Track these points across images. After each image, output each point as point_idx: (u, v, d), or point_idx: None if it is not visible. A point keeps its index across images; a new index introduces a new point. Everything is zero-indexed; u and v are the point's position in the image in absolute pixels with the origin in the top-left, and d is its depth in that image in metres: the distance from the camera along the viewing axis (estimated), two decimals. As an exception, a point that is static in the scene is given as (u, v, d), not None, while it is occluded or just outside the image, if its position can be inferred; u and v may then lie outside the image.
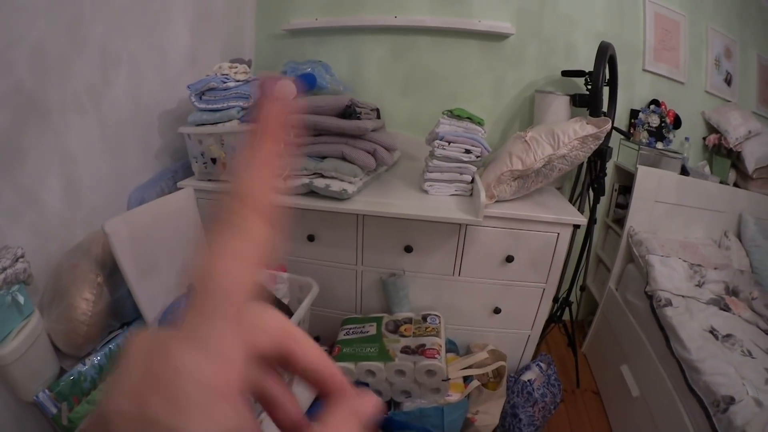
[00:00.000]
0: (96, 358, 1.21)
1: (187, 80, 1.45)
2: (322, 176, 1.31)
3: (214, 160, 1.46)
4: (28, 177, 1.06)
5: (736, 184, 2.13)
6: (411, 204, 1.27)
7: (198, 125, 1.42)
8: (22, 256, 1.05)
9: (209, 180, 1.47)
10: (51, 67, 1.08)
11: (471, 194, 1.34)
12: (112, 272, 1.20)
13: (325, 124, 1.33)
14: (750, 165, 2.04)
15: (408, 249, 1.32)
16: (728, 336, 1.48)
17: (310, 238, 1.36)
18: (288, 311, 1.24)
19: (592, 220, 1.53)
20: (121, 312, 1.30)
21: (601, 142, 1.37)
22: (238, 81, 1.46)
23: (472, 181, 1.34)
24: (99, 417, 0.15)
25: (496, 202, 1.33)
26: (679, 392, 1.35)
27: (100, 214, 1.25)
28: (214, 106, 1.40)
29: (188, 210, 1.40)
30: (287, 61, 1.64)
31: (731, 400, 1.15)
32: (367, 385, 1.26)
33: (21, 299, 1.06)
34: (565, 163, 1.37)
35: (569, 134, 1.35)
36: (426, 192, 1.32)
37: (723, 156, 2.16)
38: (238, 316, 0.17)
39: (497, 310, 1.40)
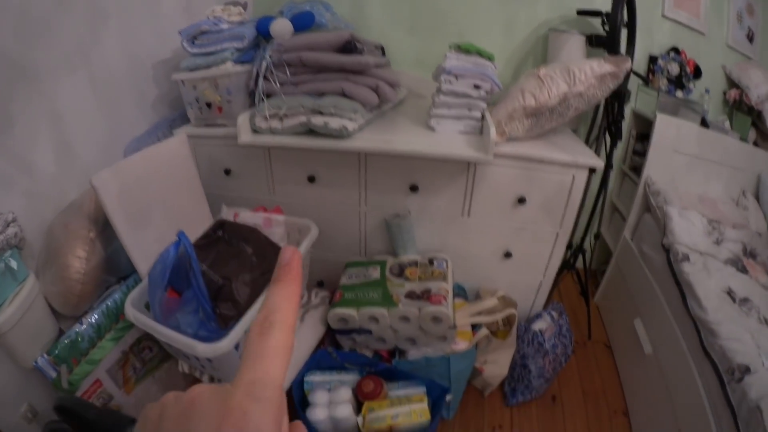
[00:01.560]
0: (93, 317, 1.13)
1: (181, 28, 1.31)
2: (321, 114, 1.16)
3: (209, 105, 1.32)
4: (18, 143, 1.00)
5: (755, 144, 1.93)
6: (416, 141, 1.12)
7: (192, 70, 1.29)
8: (14, 221, 0.98)
9: (206, 125, 1.34)
10: (37, 30, 1.01)
11: (481, 132, 1.18)
12: (105, 227, 1.11)
13: (323, 60, 1.18)
14: None
15: (413, 188, 1.17)
16: (745, 300, 1.33)
17: (311, 179, 1.23)
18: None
19: (608, 166, 1.37)
20: (117, 266, 1.21)
21: (619, 82, 1.20)
22: (231, 23, 1.31)
23: (482, 118, 1.17)
24: None
25: (508, 140, 1.16)
26: (693, 354, 1.22)
27: (95, 172, 1.16)
28: (207, 50, 1.27)
29: (182, 157, 1.27)
30: (286, 1, 1.47)
31: (747, 370, 1.03)
32: (370, 332, 1.13)
33: (14, 265, 0.98)
34: (582, 102, 1.20)
35: (586, 71, 1.18)
36: (432, 129, 1.16)
37: (744, 113, 1.95)
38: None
39: (508, 255, 1.26)
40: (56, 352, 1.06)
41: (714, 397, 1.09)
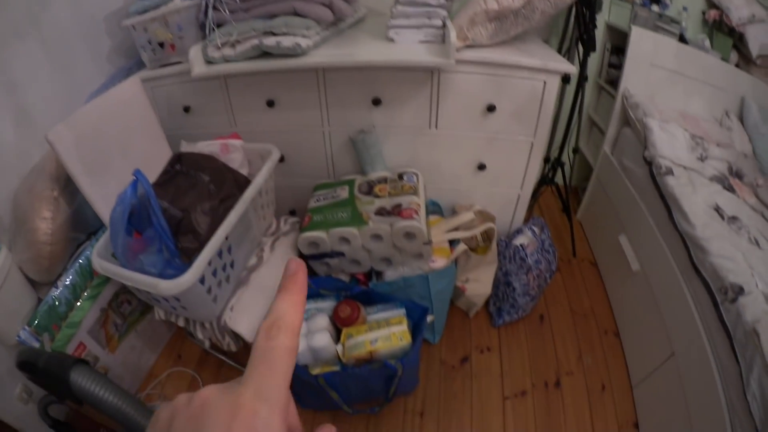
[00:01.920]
0: (67, 278, 1.09)
1: (129, -26, 1.25)
2: (273, 34, 1.09)
3: (161, 44, 1.26)
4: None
5: (737, 66, 1.85)
6: (374, 52, 1.05)
7: (141, 13, 1.22)
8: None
9: (161, 66, 1.27)
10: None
11: (443, 41, 1.11)
12: (67, 183, 1.06)
13: (273, -20, 1.10)
14: (754, 49, 1.76)
15: (376, 102, 1.10)
16: (734, 218, 1.27)
17: (270, 104, 1.16)
18: (246, 181, 1.04)
19: (582, 76, 1.29)
20: (84, 221, 1.17)
21: (587, -18, 1.12)
22: (176, -42, 1.23)
23: (443, 26, 1.10)
24: None
25: (471, 46, 1.09)
26: (683, 271, 1.17)
27: (54, 133, 1.13)
28: None
29: (136, 100, 1.22)
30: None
31: (740, 290, 0.97)
32: (342, 255, 1.07)
33: (-19, 241, 0.93)
34: (548, 5, 1.12)
35: (551, -28, 1.10)
36: (392, 40, 1.09)
37: (725, 34, 1.87)
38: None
39: (482, 167, 1.19)
40: (36, 321, 1.02)
41: (707, 317, 1.04)
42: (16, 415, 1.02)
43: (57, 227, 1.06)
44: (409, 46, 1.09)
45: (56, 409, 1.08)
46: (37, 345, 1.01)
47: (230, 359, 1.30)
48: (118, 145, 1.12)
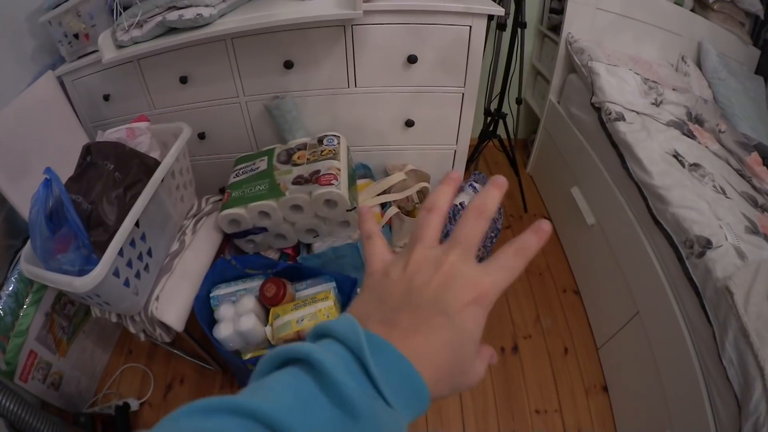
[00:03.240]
0: (9, 287, 1.00)
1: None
2: (176, 8, 0.97)
3: (76, 36, 1.14)
4: None
5: (693, 12, 1.67)
6: (281, 13, 0.92)
7: (54, 8, 1.12)
8: None
9: (79, 57, 1.16)
10: None
11: (355, -7, 0.97)
12: None
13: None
14: None
15: (288, 65, 0.96)
16: (696, 165, 1.10)
17: (183, 80, 1.03)
18: (156, 164, 0.92)
19: (519, 23, 1.14)
20: (16, 228, 1.08)
21: None
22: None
23: (353, -24, 0.96)
24: None
25: (385, -6, 0.95)
26: (642, 224, 1.02)
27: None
28: None
29: (51, 97, 1.14)
30: None
31: (707, 243, 0.82)
32: (266, 230, 0.95)
33: None
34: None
35: None
36: (302, 0, 0.96)
37: (677, -23, 1.69)
38: None
39: (410, 123, 1.05)
40: None
41: (672, 273, 0.89)
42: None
43: None
44: (317, 3, 0.95)
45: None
46: None
47: (175, 349, 1.18)
48: (37, 145, 1.04)
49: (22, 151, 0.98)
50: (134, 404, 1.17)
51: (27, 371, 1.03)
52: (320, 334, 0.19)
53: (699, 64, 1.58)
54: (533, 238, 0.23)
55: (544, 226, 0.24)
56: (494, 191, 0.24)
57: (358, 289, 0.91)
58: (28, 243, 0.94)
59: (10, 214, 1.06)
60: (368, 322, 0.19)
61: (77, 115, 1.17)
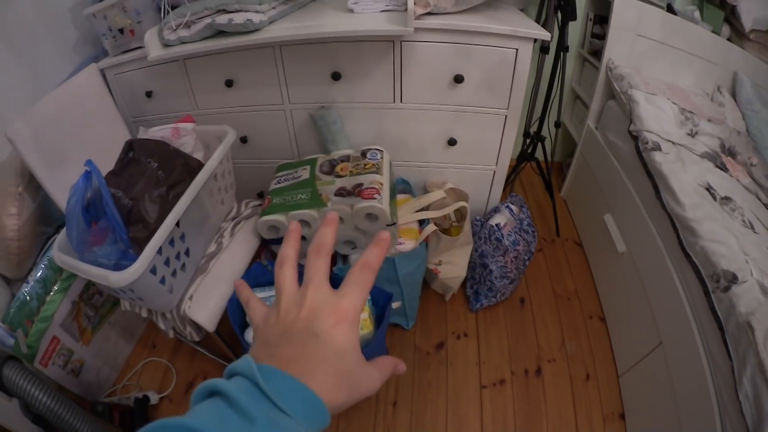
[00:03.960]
0: (38, 273, 1.02)
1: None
2: (226, 11, 0.98)
3: (121, 31, 1.17)
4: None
5: (729, 41, 1.67)
6: (331, 24, 0.93)
7: (99, 1, 1.13)
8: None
9: (123, 52, 1.18)
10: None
11: (406, 9, 0.98)
12: (31, 178, 1.00)
13: (225, -46, 0.99)
14: (747, 23, 1.58)
15: (336, 76, 0.97)
16: (727, 199, 1.11)
17: (229, 84, 1.05)
18: (199, 165, 0.93)
19: (562, 46, 1.14)
20: (50, 215, 1.10)
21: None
22: (130, -56, 1.13)
23: (406, -8, 0.97)
24: None
25: (434, 13, 0.96)
26: (672, 255, 1.03)
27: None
28: None
29: (93, 89, 1.16)
30: None
31: (734, 278, 0.83)
32: (304, 238, 0.96)
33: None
34: (518, -32, 0.99)
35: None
36: (352, 11, 0.96)
37: (716, 6, 1.69)
38: None
39: (452, 142, 1.06)
40: (9, 317, 0.95)
41: (698, 306, 0.90)
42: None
43: (23, 223, 1.00)
44: (368, 16, 0.96)
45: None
46: (11, 341, 0.95)
47: (200, 347, 1.20)
48: (76, 135, 1.06)
49: (61, 141, 1.00)
50: (154, 398, 1.19)
51: (48, 356, 1.06)
52: (230, 374, 0.24)
53: (734, 95, 1.59)
54: (374, 250, 0.28)
55: (383, 235, 0.29)
56: (326, 229, 0.29)
57: (368, 305, 0.91)
58: (63, 232, 0.96)
59: (45, 202, 1.08)
60: (260, 359, 0.24)
61: (118, 109, 1.19)
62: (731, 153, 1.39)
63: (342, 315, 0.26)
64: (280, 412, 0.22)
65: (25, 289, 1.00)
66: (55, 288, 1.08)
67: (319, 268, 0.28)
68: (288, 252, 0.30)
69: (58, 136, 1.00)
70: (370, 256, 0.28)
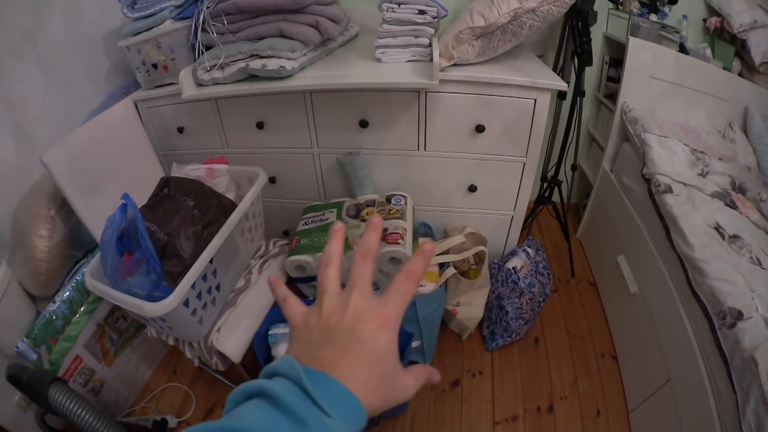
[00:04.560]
0: (65, 294, 1.07)
1: (125, -6, 1.22)
2: (259, 57, 1.04)
3: (155, 66, 1.23)
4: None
5: (740, 75, 1.72)
6: (359, 74, 0.99)
7: (134, 35, 1.21)
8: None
9: (155, 87, 1.24)
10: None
11: (431, 59, 1.04)
12: (63, 203, 1.06)
13: (259, 3, 1.06)
14: (757, 57, 1.63)
15: (363, 124, 1.03)
16: (735, 237, 1.15)
17: (260, 126, 1.10)
18: (232, 205, 0.99)
19: (578, 91, 1.20)
20: (80, 240, 1.16)
21: (576, -5, 1.03)
22: (167, -20, 1.19)
23: (430, 44, 1.02)
24: None
25: (458, 64, 1.02)
26: (681, 294, 1.07)
27: (53, 151, 1.11)
28: (147, 12, 1.19)
29: (128, 121, 1.22)
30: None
31: (739, 315, 0.88)
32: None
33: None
34: (536, 19, 1.04)
35: (539, -14, 1.01)
36: (379, 60, 1.02)
37: (726, 41, 1.74)
38: None
39: (473, 188, 1.11)
40: (34, 334, 1.01)
41: (705, 343, 0.95)
42: (15, 422, 1.02)
43: (53, 245, 1.05)
44: (394, 66, 1.02)
45: (54, 418, 1.07)
46: (34, 357, 1.01)
47: (222, 376, 1.25)
48: (110, 166, 1.12)
49: (95, 170, 1.07)
50: (172, 421, 1.24)
51: (70, 374, 1.12)
52: (269, 374, 0.25)
53: (745, 130, 1.63)
54: (419, 260, 0.29)
55: (427, 246, 0.30)
56: (372, 234, 0.30)
57: (413, 343, 0.96)
58: (96, 258, 1.02)
59: (76, 227, 1.13)
60: (302, 360, 0.25)
61: (150, 142, 1.24)
62: (741, 190, 1.44)
63: (385, 320, 0.27)
64: (326, 416, 0.22)
65: (51, 308, 1.05)
66: (81, 310, 1.14)
67: (364, 272, 0.28)
68: (334, 252, 0.30)
69: (92, 165, 1.06)
70: (414, 265, 0.28)
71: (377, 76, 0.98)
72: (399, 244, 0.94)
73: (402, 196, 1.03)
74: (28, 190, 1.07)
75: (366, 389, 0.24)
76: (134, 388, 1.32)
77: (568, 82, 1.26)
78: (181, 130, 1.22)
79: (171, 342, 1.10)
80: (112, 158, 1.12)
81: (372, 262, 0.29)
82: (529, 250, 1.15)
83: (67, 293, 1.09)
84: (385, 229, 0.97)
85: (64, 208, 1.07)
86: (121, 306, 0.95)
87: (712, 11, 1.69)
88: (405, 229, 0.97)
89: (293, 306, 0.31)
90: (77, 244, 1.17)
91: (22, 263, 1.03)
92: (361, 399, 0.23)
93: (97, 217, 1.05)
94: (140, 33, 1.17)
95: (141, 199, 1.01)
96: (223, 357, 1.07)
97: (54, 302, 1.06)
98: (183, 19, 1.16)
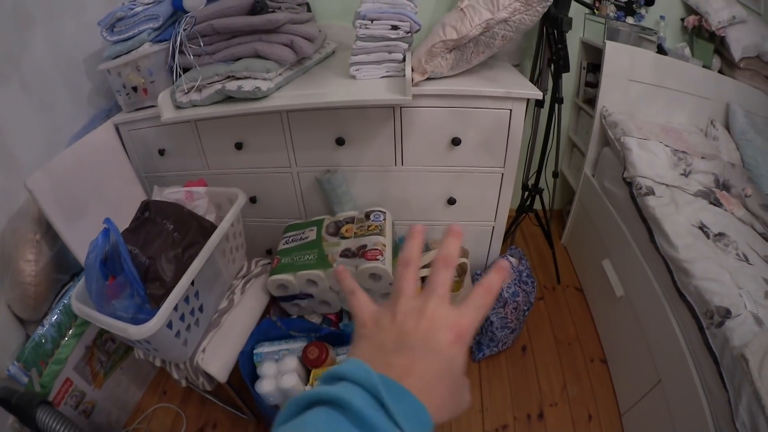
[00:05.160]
0: (53, 317, 1.09)
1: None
2: (235, 78, 1.06)
3: (135, 89, 1.24)
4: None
5: (721, 72, 1.74)
6: (334, 92, 1.00)
7: (114, 58, 1.22)
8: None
9: (136, 109, 1.26)
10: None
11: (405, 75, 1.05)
12: (48, 227, 1.07)
13: (234, 25, 1.08)
14: (736, 53, 1.65)
15: (340, 141, 1.05)
16: (721, 235, 1.17)
17: (239, 146, 1.12)
18: (212, 227, 1.00)
19: (556, 98, 1.21)
20: (66, 263, 1.17)
21: (548, 3, 1.05)
22: (146, 4, 1.22)
23: (404, 59, 1.04)
24: None
25: (431, 78, 1.03)
26: (668, 296, 1.09)
27: (38, 174, 1.12)
28: (126, 35, 1.20)
29: (110, 145, 1.24)
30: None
31: (727, 313, 0.89)
32: (311, 296, 1.02)
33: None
34: (508, 29, 1.06)
35: (510, -4, 1.03)
36: (354, 78, 1.04)
37: (705, 39, 1.76)
38: None
39: (452, 201, 1.13)
40: (24, 357, 1.03)
41: (693, 342, 0.96)
42: (8, 445, 1.03)
43: (40, 269, 1.07)
44: (369, 83, 1.04)
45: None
46: (25, 380, 1.03)
47: (211, 396, 1.26)
48: (93, 189, 1.14)
49: (78, 194, 1.08)
50: (165, 442, 1.25)
51: (61, 396, 1.13)
52: (334, 377, 0.23)
53: (727, 126, 1.64)
54: (496, 276, 0.28)
55: (503, 263, 0.30)
56: (453, 239, 0.30)
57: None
58: (81, 283, 1.03)
59: (62, 251, 1.15)
60: (373, 365, 0.23)
61: (132, 165, 1.26)
62: (725, 187, 1.45)
63: (461, 334, 0.26)
64: (398, 429, 0.20)
65: (40, 331, 1.07)
66: (70, 333, 1.16)
67: (445, 280, 0.28)
68: (414, 253, 0.29)
69: (75, 189, 1.08)
70: (492, 281, 0.28)
71: (351, 93, 0.99)
72: (378, 260, 0.95)
73: (381, 212, 1.04)
74: (14, 213, 1.09)
75: (437, 405, 0.23)
76: (125, 410, 1.33)
77: (545, 90, 1.28)
78: (162, 152, 1.24)
79: (158, 363, 1.11)
80: (95, 182, 1.14)
81: (453, 270, 0.29)
82: (511, 259, 1.16)
83: (56, 316, 1.11)
84: (364, 246, 0.99)
85: (49, 232, 1.08)
86: (107, 329, 0.96)
87: (690, 10, 1.71)
88: (384, 245, 0.98)
89: (362, 302, 0.29)
90: (63, 267, 1.19)
91: (11, 287, 1.05)
92: (431, 413, 0.22)
93: (81, 240, 1.06)
94: (120, 56, 1.18)
95: (124, 221, 1.02)
96: (209, 377, 1.08)
97: (43, 325, 1.07)
98: (161, 41, 1.18)
